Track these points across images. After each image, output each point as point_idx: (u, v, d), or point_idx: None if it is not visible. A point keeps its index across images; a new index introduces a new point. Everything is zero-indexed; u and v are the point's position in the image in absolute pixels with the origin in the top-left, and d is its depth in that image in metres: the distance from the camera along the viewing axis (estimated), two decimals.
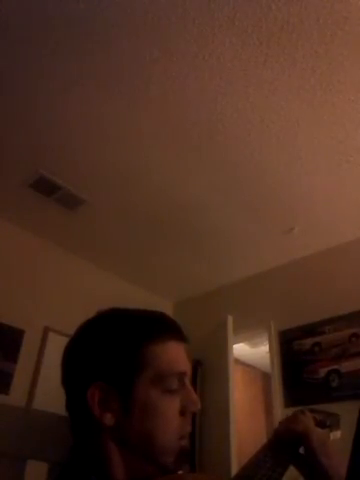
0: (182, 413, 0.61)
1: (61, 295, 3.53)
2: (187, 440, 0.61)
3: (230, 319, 3.64)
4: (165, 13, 1.91)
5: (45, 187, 2.98)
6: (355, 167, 2.71)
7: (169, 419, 0.59)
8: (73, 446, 0.61)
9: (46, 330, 3.32)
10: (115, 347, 0.60)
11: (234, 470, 3.03)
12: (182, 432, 0.60)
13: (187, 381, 0.63)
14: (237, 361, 4.41)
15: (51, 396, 2.46)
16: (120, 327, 0.62)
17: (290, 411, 0.74)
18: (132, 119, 2.46)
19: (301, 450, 0.68)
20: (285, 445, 0.68)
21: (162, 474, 0.57)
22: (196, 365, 3.71)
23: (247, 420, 4.87)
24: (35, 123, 2.52)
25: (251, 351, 5.04)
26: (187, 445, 0.61)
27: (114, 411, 0.57)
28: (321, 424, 0.71)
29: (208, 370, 3.68)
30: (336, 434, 0.74)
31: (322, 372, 3.08)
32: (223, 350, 3.54)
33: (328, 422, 0.73)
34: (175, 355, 0.62)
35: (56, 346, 2.93)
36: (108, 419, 0.57)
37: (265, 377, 5.22)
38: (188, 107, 2.37)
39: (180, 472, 0.62)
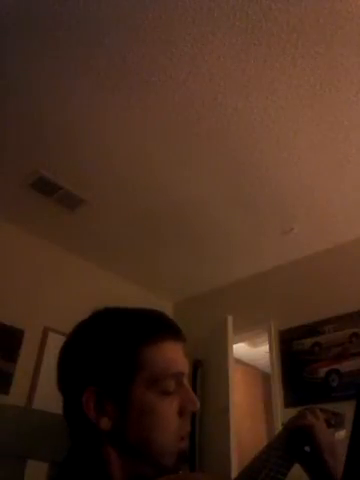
0: (181, 414, 0.60)
1: (61, 295, 3.52)
2: (186, 441, 0.61)
3: (230, 319, 3.65)
4: (165, 13, 1.91)
5: (45, 187, 2.98)
6: (355, 167, 2.71)
7: (167, 421, 0.58)
8: (71, 449, 0.60)
9: (46, 330, 3.32)
10: (109, 351, 0.59)
11: (234, 470, 3.03)
12: (181, 433, 0.60)
13: (185, 381, 0.62)
14: (237, 361, 4.41)
15: (51, 396, 2.45)
16: (114, 329, 0.61)
17: (290, 411, 0.74)
18: (132, 119, 2.46)
19: (306, 448, 0.68)
20: (290, 443, 0.68)
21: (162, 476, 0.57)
22: (196, 365, 3.71)
23: (247, 420, 4.87)
24: (35, 123, 2.52)
25: (251, 351, 5.04)
26: (186, 446, 0.60)
27: (110, 415, 0.57)
28: (326, 423, 0.71)
29: (208, 370, 3.68)
30: (341, 434, 0.73)
31: (322, 372, 3.08)
32: (223, 350, 3.54)
33: (333, 421, 0.73)
34: (171, 356, 0.61)
35: (56, 346, 2.89)
36: (104, 423, 0.57)
37: (265, 377, 5.21)
38: (188, 107, 2.37)
39: (180, 472, 0.61)
